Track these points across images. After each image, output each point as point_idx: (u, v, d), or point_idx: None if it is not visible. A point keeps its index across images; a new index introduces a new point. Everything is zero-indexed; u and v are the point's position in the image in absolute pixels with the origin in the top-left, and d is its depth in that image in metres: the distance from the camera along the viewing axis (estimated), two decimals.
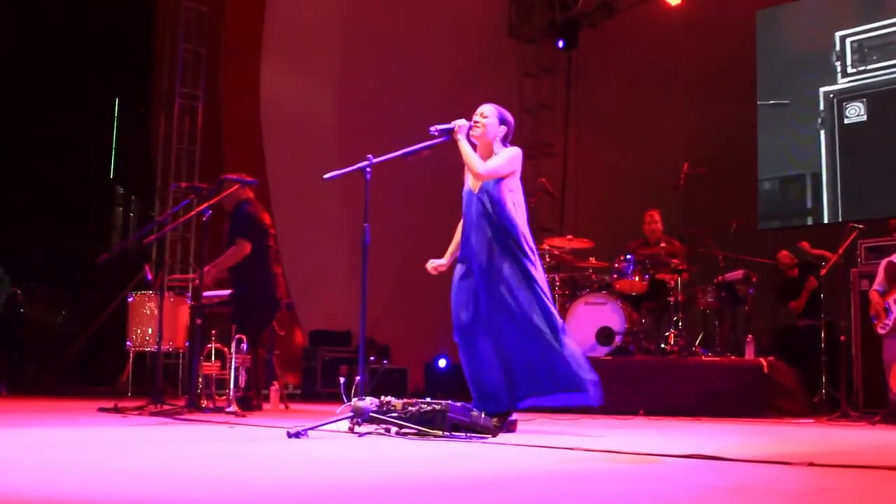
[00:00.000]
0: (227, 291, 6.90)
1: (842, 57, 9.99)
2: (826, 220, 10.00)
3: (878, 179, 9.64)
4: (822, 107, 10.12)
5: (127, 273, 9.96)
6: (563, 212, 12.54)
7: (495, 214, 4.75)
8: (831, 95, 10.05)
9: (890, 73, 9.63)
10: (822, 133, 10.09)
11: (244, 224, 6.75)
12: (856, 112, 9.86)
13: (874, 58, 9.76)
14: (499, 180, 4.80)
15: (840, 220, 9.58)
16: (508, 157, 4.84)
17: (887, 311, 6.78)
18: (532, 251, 4.78)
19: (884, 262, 7.01)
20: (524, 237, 4.77)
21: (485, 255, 4.73)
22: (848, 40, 9.95)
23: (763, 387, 7.12)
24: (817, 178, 10.14)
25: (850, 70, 9.93)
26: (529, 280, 4.69)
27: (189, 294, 8.79)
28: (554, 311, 4.73)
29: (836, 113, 10.01)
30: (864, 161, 9.84)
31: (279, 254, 7.04)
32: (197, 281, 6.61)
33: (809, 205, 10.24)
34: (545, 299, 4.69)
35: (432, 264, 5.04)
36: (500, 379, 4.69)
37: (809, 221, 10.23)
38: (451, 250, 5.06)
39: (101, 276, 13.12)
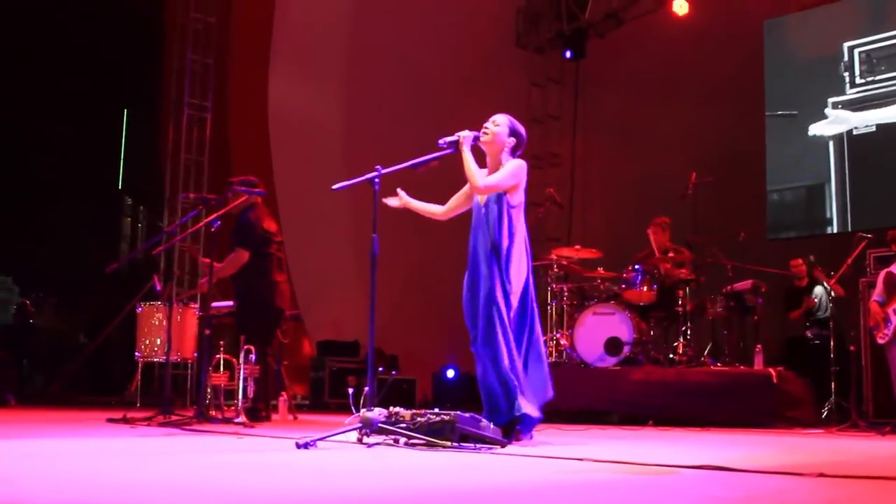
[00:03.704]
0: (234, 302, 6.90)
1: (850, 67, 9.97)
2: (835, 230, 9.98)
3: (886, 190, 9.61)
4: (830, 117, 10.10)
5: (135, 283, 9.96)
6: (570, 222, 12.56)
7: (491, 232, 4.71)
8: (840, 106, 10.03)
9: None
10: (831, 143, 10.07)
11: (243, 232, 6.72)
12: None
13: (882, 68, 9.73)
14: (501, 195, 4.74)
15: (850, 230, 9.55)
16: (511, 171, 4.76)
17: (886, 321, 6.81)
18: (512, 276, 4.67)
19: (882, 273, 7.06)
20: (513, 260, 4.68)
21: (482, 268, 4.71)
22: (856, 51, 9.93)
23: (772, 397, 7.10)
24: (826, 188, 10.11)
25: (858, 81, 9.91)
26: (502, 303, 4.62)
27: (197, 304, 8.80)
28: (511, 343, 4.65)
29: None
30: (873, 171, 9.81)
31: (284, 262, 7.02)
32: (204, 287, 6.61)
33: (818, 215, 10.21)
34: (507, 326, 4.63)
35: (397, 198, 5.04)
36: (502, 390, 4.65)
37: (818, 231, 10.20)
38: (419, 206, 5.07)
39: (109, 286, 13.13)
